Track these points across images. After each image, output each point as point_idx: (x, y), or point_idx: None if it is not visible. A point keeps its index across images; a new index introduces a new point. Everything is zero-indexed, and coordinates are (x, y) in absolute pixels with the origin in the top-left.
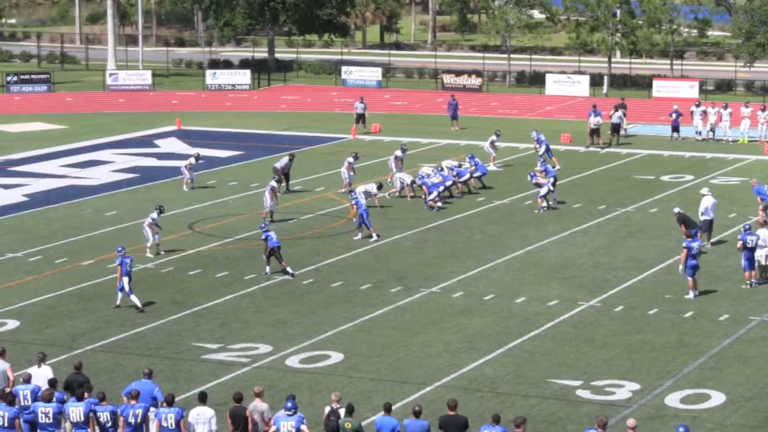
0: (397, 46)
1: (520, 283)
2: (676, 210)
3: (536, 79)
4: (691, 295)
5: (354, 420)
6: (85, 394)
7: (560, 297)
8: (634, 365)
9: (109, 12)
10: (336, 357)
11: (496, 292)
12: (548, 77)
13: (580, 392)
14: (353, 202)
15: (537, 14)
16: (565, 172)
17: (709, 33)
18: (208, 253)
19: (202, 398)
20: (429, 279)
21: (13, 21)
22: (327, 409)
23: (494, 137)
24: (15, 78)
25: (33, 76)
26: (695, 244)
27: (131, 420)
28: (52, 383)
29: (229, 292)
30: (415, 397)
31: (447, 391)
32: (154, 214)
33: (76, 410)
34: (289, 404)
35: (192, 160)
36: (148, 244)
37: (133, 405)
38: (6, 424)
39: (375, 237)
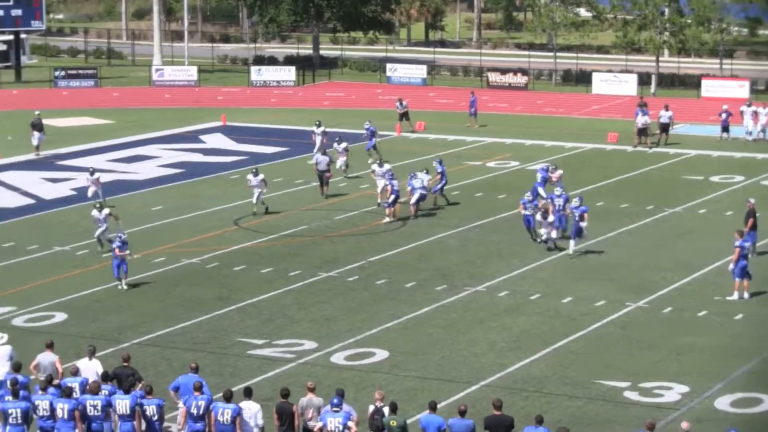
0: (442, 43)
1: (567, 282)
2: (752, 201)
3: (583, 78)
4: (735, 296)
5: (399, 417)
6: (136, 386)
7: (607, 298)
8: (682, 367)
9: (155, 8)
10: (381, 354)
11: (542, 292)
12: (595, 76)
13: (627, 394)
14: (389, 183)
15: (583, 12)
16: (612, 172)
17: (761, 32)
18: (253, 249)
19: (248, 393)
20: (474, 277)
21: (60, 16)
22: (371, 407)
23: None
24: (63, 73)
25: (80, 72)
26: (747, 244)
27: (194, 411)
28: (105, 377)
29: (274, 288)
30: (460, 396)
31: (492, 391)
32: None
33: (122, 403)
34: (335, 400)
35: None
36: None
37: (197, 396)
38: (66, 416)
39: (389, 220)
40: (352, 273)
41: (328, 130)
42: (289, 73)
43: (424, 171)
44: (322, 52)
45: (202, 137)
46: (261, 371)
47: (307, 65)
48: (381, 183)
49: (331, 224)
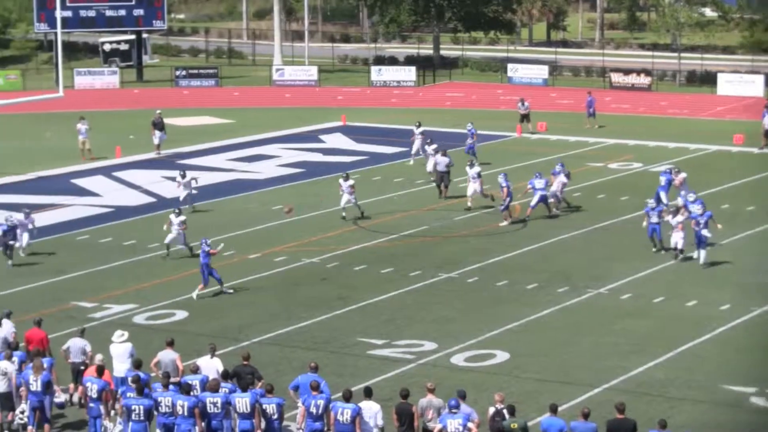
0: (564, 43)
1: (691, 286)
2: None
3: (707, 79)
4: None
5: (519, 419)
6: (256, 385)
7: (732, 302)
8: None
9: (276, 8)
10: (502, 356)
11: (666, 295)
12: (720, 76)
13: (754, 399)
14: (504, 185)
15: (709, 12)
16: (737, 174)
17: None
18: (372, 249)
19: (368, 393)
20: (596, 279)
21: (181, 16)
22: (491, 409)
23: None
24: (184, 73)
25: (201, 71)
26: None
27: (313, 410)
28: (225, 375)
29: (394, 288)
30: (582, 399)
31: (615, 394)
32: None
33: (242, 401)
34: (453, 402)
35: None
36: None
37: (315, 396)
38: (186, 413)
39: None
40: (473, 274)
41: (449, 130)
42: (409, 73)
43: (537, 175)
44: (442, 52)
45: (322, 137)
46: (381, 371)
47: (427, 65)
48: (471, 186)
49: (452, 225)
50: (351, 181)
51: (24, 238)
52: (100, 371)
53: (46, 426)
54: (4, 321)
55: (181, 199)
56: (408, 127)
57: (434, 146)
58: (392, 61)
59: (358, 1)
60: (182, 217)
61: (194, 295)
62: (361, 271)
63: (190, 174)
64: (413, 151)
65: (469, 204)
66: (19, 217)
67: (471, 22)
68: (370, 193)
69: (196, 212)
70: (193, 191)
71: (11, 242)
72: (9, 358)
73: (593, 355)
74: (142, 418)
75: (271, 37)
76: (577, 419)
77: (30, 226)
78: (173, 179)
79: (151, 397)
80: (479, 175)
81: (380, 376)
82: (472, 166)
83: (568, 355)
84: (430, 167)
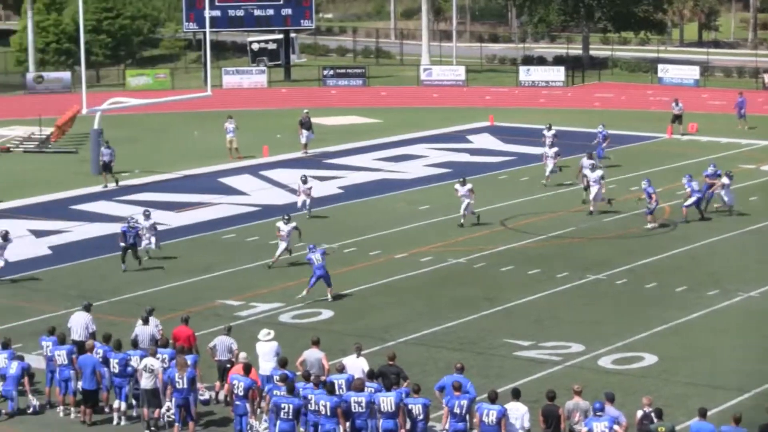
0: (716, 44)
1: None
2: None
3: None
4: None
5: (667, 423)
6: (401, 384)
7: None
8: None
9: (424, 8)
10: (650, 359)
11: None
12: None
13: None
14: (651, 191)
15: None
16: None
17: None
18: (520, 250)
19: (516, 394)
20: (748, 283)
21: (329, 16)
22: (639, 413)
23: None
24: (331, 72)
25: (349, 71)
26: None
27: (456, 411)
28: (370, 374)
29: (542, 290)
30: (731, 403)
31: (766, 399)
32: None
33: (387, 400)
34: (597, 405)
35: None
36: None
37: (458, 396)
38: (328, 413)
39: None
40: (621, 276)
41: (598, 131)
42: (558, 74)
43: (687, 177)
44: (591, 52)
45: (470, 137)
46: (527, 373)
47: (576, 65)
48: (594, 189)
49: (600, 226)
50: (469, 185)
51: (152, 241)
52: (247, 369)
53: (191, 423)
54: (151, 319)
55: (298, 205)
56: (556, 128)
57: (555, 149)
58: (541, 61)
59: (506, 1)
60: (293, 224)
61: (304, 293)
62: (508, 272)
63: (311, 181)
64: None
65: (591, 209)
66: (140, 219)
67: (621, 22)
68: (518, 193)
69: (313, 218)
70: (310, 198)
71: (130, 245)
72: (153, 354)
73: (743, 359)
74: (290, 416)
75: (419, 36)
76: (728, 424)
77: (155, 231)
78: (320, 178)
79: (300, 396)
80: (602, 179)
81: (526, 377)
82: (593, 169)
83: (718, 359)
84: (547, 171)
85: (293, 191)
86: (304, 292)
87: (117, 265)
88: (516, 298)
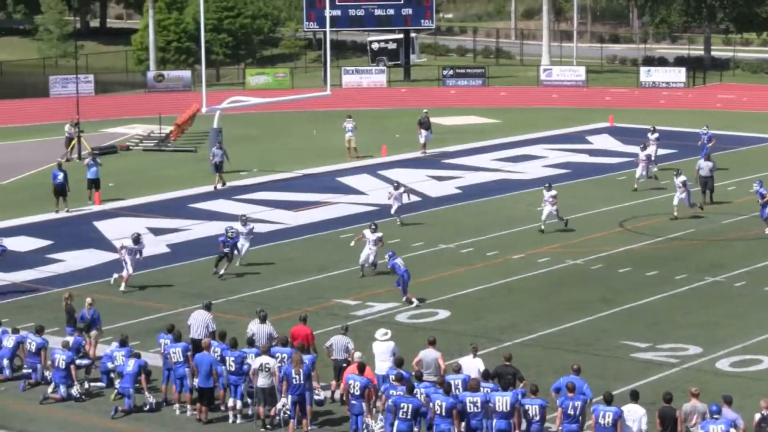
0: None
1: None
2: None
3: None
4: None
5: None
6: (517, 385)
7: None
8: None
9: (545, 8)
10: None
11: None
12: None
13: None
14: (764, 191)
15: None
16: None
17: None
18: (638, 252)
19: (634, 396)
20: None
21: (450, 16)
22: (757, 416)
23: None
24: (451, 72)
25: (468, 71)
26: None
27: (570, 412)
28: (485, 375)
29: (659, 292)
30: None
31: None
32: (128, 241)
33: (502, 400)
34: (714, 407)
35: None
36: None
37: (572, 397)
38: (444, 413)
39: None
40: (740, 278)
41: (719, 133)
42: (678, 75)
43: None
44: (713, 53)
45: (589, 138)
46: (644, 375)
47: (697, 66)
48: (677, 195)
49: (718, 228)
50: (553, 192)
51: (243, 248)
52: (362, 369)
53: (305, 421)
54: (268, 322)
55: (392, 211)
56: (677, 129)
57: (647, 152)
58: (662, 62)
59: (628, 1)
60: (378, 234)
61: (416, 301)
62: (626, 274)
63: (403, 187)
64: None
65: (675, 214)
66: (238, 227)
67: (743, 23)
68: (636, 195)
69: (405, 225)
70: (404, 203)
71: (227, 252)
72: (266, 352)
73: None
74: (409, 416)
75: (540, 37)
76: None
77: (251, 236)
78: (438, 178)
79: (418, 397)
80: (685, 185)
81: (643, 379)
82: (678, 175)
83: None
84: (638, 173)
85: (412, 191)
86: (414, 301)
87: (232, 264)
88: (633, 299)
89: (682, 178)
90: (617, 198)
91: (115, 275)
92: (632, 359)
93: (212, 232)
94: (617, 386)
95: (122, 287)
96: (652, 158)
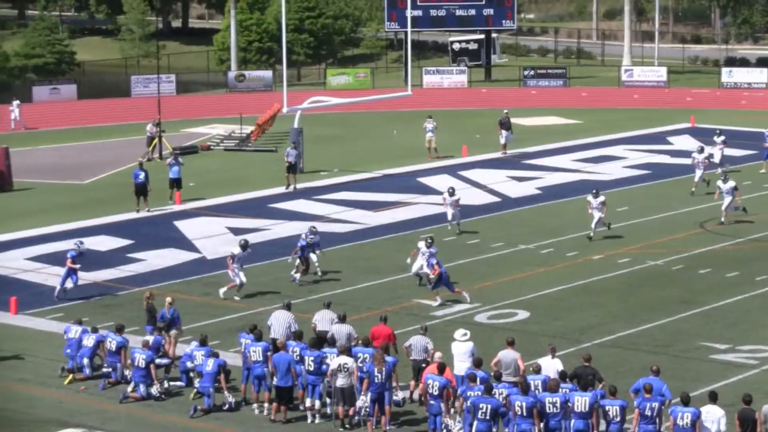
0: None
1: None
2: None
3: None
4: None
5: None
6: (596, 386)
7: None
8: None
9: (626, 8)
10: None
11: None
12: None
13: None
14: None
15: None
16: None
17: None
18: (718, 252)
19: (713, 398)
20: None
21: (531, 16)
22: None
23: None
24: (532, 72)
25: (549, 71)
26: None
27: (647, 413)
28: (563, 375)
29: (740, 293)
30: None
31: None
32: (236, 249)
33: (581, 400)
34: None
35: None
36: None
37: (649, 398)
38: (524, 413)
39: None
40: None
41: None
42: (761, 75)
43: None
44: None
45: (670, 138)
46: (723, 376)
47: None
48: (727, 199)
49: None
50: (602, 198)
51: (313, 257)
52: (441, 369)
53: (384, 419)
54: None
55: (449, 217)
56: (758, 130)
57: (705, 155)
58: (743, 62)
59: (710, 2)
60: (434, 249)
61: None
62: (706, 275)
63: (458, 193)
64: (716, 160)
65: (722, 219)
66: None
67: None
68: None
69: (463, 234)
70: (459, 209)
71: (304, 258)
72: (344, 352)
73: None
74: (488, 417)
75: (621, 37)
76: None
77: (317, 245)
78: (518, 179)
79: (497, 397)
80: (735, 189)
81: (722, 381)
82: (725, 180)
83: None
84: (697, 178)
85: (492, 191)
86: (468, 295)
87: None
88: (713, 300)
89: (731, 183)
90: (697, 199)
91: (222, 290)
92: (711, 360)
93: (292, 232)
94: (696, 387)
95: (236, 296)
96: (716, 161)
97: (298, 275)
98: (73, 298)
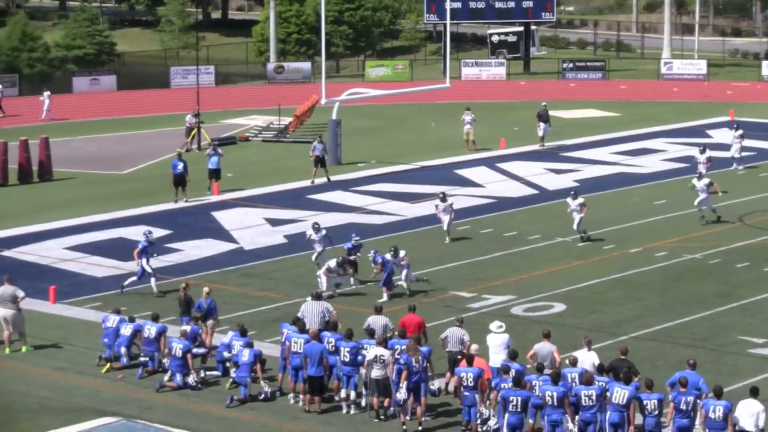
0: None
1: None
2: None
3: None
4: None
5: None
6: (633, 380)
7: None
8: None
9: (666, 1)
10: None
11: None
12: None
13: None
14: None
15: None
16: None
17: None
18: (757, 246)
19: (754, 392)
20: None
21: (571, 8)
22: None
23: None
24: (571, 65)
25: (588, 64)
26: None
27: (682, 407)
28: (600, 369)
29: None
30: None
31: None
32: (332, 263)
33: (620, 393)
34: None
35: None
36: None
37: (684, 392)
38: (555, 403)
39: None
40: None
41: None
42: None
43: None
44: None
45: (709, 132)
46: (761, 371)
47: None
48: (702, 196)
49: None
50: (580, 200)
51: (317, 254)
52: (470, 361)
53: (419, 409)
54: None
55: (444, 227)
56: None
57: (706, 155)
58: None
59: None
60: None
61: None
62: (744, 269)
63: (450, 198)
64: (731, 155)
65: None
66: (311, 233)
67: None
68: (756, 189)
69: (454, 240)
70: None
71: (351, 260)
72: (380, 343)
73: None
74: (519, 409)
75: (661, 30)
76: None
77: (328, 242)
78: (556, 171)
79: (528, 387)
80: (711, 185)
81: (760, 375)
82: (700, 178)
83: None
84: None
85: (529, 184)
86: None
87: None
88: (751, 295)
89: (705, 180)
90: (736, 192)
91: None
92: (749, 355)
93: (329, 224)
94: (733, 382)
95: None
96: (733, 154)
97: (351, 279)
98: (112, 289)
